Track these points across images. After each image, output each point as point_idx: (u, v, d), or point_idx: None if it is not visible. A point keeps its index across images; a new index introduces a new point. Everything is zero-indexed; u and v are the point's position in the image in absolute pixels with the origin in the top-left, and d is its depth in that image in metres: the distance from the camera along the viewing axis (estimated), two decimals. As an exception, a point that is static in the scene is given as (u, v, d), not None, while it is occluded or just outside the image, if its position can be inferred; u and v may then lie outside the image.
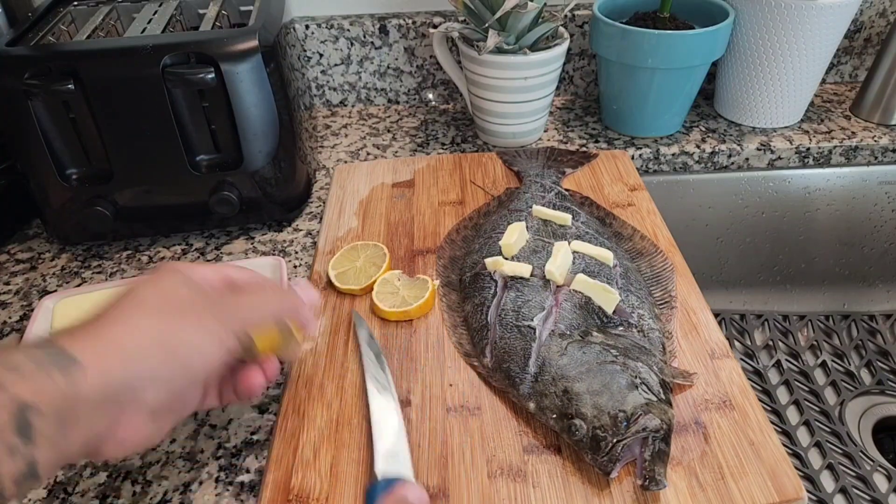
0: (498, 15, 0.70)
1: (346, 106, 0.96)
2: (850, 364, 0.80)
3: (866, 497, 0.66)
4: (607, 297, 0.52)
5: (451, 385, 0.51)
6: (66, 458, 0.30)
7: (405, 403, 0.49)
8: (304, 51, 0.90)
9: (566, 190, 0.70)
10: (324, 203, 0.75)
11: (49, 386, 0.28)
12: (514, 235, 0.59)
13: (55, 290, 0.64)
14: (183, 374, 0.34)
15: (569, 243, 0.58)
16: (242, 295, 0.40)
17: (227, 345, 0.36)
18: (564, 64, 0.81)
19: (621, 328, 0.51)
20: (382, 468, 0.41)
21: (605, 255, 0.57)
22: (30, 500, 0.46)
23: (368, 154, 0.85)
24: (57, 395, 0.29)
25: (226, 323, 0.36)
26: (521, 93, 0.77)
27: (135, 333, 0.33)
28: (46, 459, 0.28)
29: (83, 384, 0.30)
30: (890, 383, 0.78)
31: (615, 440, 0.42)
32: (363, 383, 0.50)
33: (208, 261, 0.67)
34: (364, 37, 0.89)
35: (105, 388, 0.30)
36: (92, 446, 0.32)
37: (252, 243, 0.70)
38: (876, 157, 0.85)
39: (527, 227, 0.62)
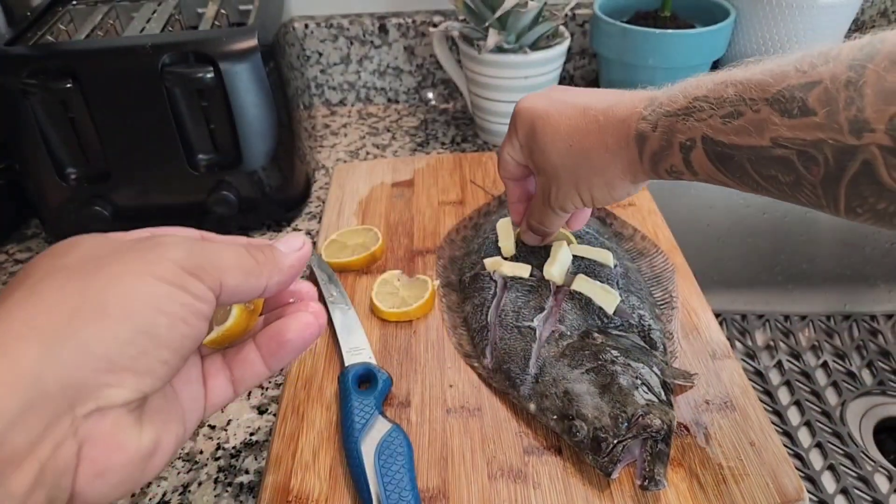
0: (498, 14, 0.70)
1: (345, 105, 0.96)
2: (851, 364, 0.80)
3: (867, 498, 0.65)
4: (607, 298, 0.52)
5: (451, 386, 0.50)
6: None
7: (405, 404, 0.49)
8: (304, 50, 0.90)
9: (566, 190, 0.70)
10: (323, 203, 0.75)
11: None
12: (505, 233, 0.59)
13: (54, 291, 0.63)
14: (137, 340, 0.23)
15: (568, 244, 0.58)
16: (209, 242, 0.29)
17: (195, 293, 0.25)
18: (565, 63, 0.81)
19: (622, 329, 0.51)
20: (349, 360, 0.51)
21: (606, 255, 0.57)
22: (27, 501, 0.45)
23: (368, 153, 0.84)
24: None
25: (186, 262, 0.25)
26: (522, 92, 0.76)
27: (40, 308, 0.23)
28: None
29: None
30: (891, 384, 0.77)
31: (616, 441, 0.42)
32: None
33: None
34: (363, 36, 0.89)
35: (25, 386, 0.21)
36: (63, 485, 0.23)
37: (251, 243, 0.69)
38: (877, 157, 0.84)
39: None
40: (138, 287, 0.24)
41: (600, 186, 0.44)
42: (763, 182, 0.34)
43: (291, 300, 0.34)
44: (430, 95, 0.95)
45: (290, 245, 0.31)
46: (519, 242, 0.58)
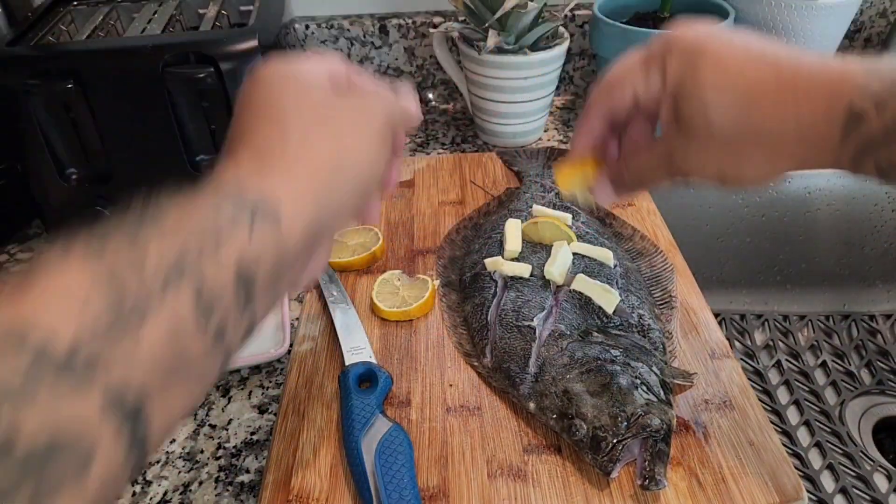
0: (498, 15, 0.70)
1: (346, 106, 0.96)
2: (850, 364, 0.80)
3: (867, 497, 0.66)
4: (607, 298, 0.52)
5: (451, 385, 0.50)
6: (268, 309, 0.30)
7: (405, 403, 0.49)
8: (305, 51, 0.90)
9: (566, 190, 0.70)
10: (324, 203, 0.75)
11: (263, 244, 0.27)
12: (513, 234, 0.59)
13: (55, 290, 0.64)
14: (363, 192, 0.34)
15: (569, 243, 0.58)
16: (365, 93, 0.36)
17: (387, 144, 0.35)
18: (564, 64, 0.81)
19: (621, 328, 0.51)
20: (350, 359, 0.51)
21: (606, 255, 0.57)
22: (29, 500, 0.45)
23: (368, 154, 0.85)
24: (271, 252, 0.27)
25: (376, 120, 0.35)
26: (521, 93, 0.77)
27: (315, 163, 0.31)
28: (261, 315, 0.28)
29: (290, 237, 0.29)
30: (890, 383, 0.78)
31: (615, 440, 0.42)
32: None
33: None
34: (364, 37, 0.89)
35: (306, 234, 0.29)
36: (293, 287, 0.33)
37: (252, 243, 0.69)
38: (876, 157, 0.84)
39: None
40: (369, 149, 0.34)
41: (756, 165, 0.34)
42: None
43: None
44: (431, 96, 0.96)
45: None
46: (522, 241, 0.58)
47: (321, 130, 0.32)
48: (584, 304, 0.52)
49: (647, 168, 0.39)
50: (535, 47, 0.75)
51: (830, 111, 0.31)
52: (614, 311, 0.52)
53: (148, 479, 0.47)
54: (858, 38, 0.93)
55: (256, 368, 0.55)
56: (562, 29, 0.80)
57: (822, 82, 0.31)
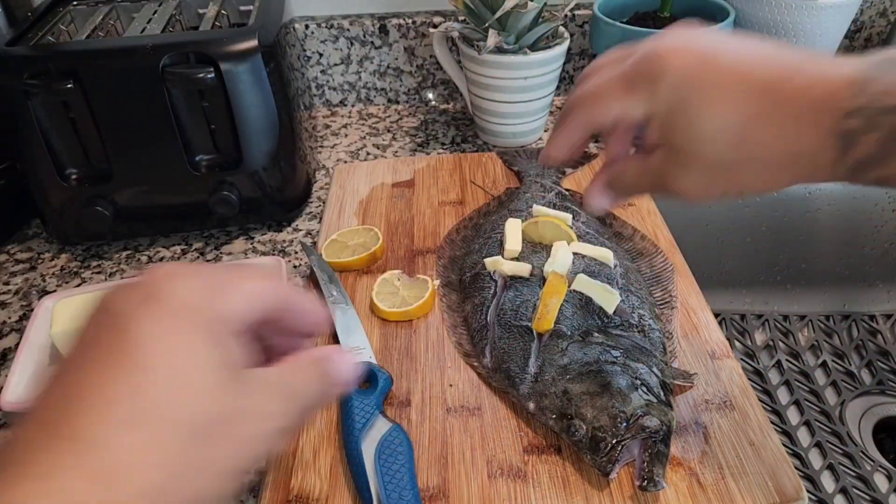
0: (498, 14, 0.70)
1: (345, 106, 0.96)
2: (850, 364, 0.80)
3: (867, 497, 0.66)
4: (608, 298, 0.52)
5: (451, 385, 0.50)
6: None
7: (405, 403, 0.49)
8: (304, 50, 0.90)
9: (566, 190, 0.70)
10: (323, 203, 0.75)
11: None
12: (513, 234, 0.59)
13: (55, 291, 0.64)
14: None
15: (568, 243, 0.58)
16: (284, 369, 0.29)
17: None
18: (565, 63, 0.81)
19: (622, 328, 0.51)
20: None
21: (606, 255, 0.57)
22: (29, 500, 0.45)
23: (368, 154, 0.85)
24: None
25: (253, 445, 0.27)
26: (521, 93, 0.77)
27: (141, 474, 0.22)
28: None
29: None
30: (890, 383, 0.78)
31: (614, 441, 0.42)
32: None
33: (208, 261, 0.67)
34: (364, 36, 0.89)
35: None
36: None
37: (252, 243, 0.70)
38: (876, 157, 0.84)
39: (527, 227, 0.61)
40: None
41: (749, 185, 0.34)
42: None
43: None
44: (431, 96, 0.96)
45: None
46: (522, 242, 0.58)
47: (160, 438, 0.23)
48: (585, 304, 0.52)
49: (633, 182, 0.39)
50: (535, 47, 0.75)
51: (822, 134, 0.30)
52: (614, 312, 0.52)
53: (148, 479, 0.47)
54: (858, 37, 0.93)
55: (256, 368, 0.55)
56: (562, 29, 0.80)
57: (813, 102, 0.31)
